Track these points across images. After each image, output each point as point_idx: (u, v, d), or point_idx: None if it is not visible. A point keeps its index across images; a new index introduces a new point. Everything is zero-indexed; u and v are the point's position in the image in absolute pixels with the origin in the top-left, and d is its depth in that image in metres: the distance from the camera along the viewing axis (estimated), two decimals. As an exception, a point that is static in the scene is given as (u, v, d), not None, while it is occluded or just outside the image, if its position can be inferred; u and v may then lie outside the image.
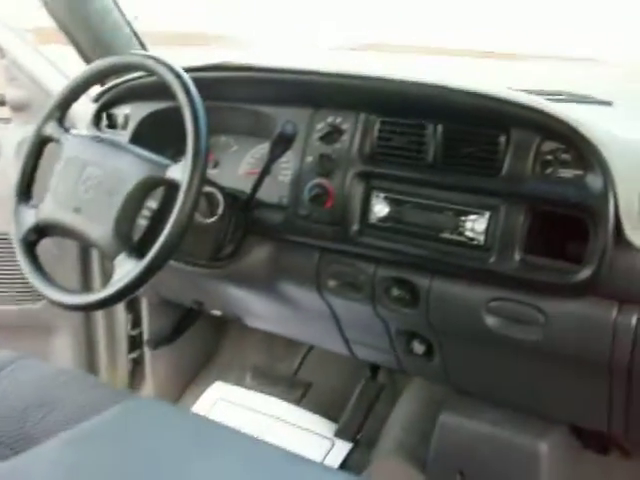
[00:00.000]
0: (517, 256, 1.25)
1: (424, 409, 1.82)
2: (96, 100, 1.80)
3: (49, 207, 1.38)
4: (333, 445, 1.96)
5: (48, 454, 1.11)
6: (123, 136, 1.71)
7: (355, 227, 1.41)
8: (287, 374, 2.19)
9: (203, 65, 1.54)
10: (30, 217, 1.40)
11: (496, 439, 1.55)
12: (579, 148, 1.18)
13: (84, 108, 1.77)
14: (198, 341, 2.34)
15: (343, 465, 1.89)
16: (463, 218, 1.30)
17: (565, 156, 1.20)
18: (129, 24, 2.02)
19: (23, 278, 1.39)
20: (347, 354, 1.76)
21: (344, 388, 2.05)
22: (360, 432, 1.98)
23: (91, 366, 2.25)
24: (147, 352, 2.24)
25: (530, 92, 1.39)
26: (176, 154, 1.42)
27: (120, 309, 2.20)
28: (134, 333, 2.25)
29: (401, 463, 1.75)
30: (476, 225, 1.29)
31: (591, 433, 1.57)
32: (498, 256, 1.26)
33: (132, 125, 1.74)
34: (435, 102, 1.32)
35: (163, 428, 1.19)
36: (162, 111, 1.69)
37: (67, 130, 1.43)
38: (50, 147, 1.45)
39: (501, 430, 1.54)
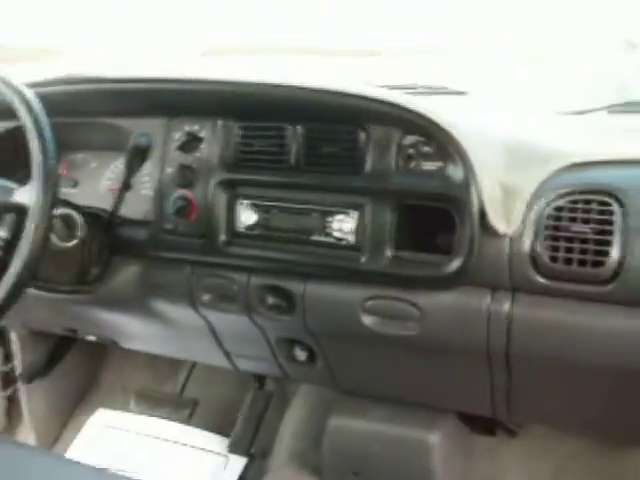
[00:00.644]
0: (388, 253, 1.24)
1: (314, 414, 1.80)
2: None
3: None
4: (228, 461, 1.90)
5: None
6: None
7: (223, 238, 1.37)
8: (172, 394, 2.11)
9: (47, 79, 1.45)
10: None
11: (386, 436, 1.54)
12: (439, 140, 1.17)
13: None
14: (76, 369, 2.22)
15: (240, 480, 1.84)
16: (330, 219, 1.28)
17: (426, 149, 1.20)
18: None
19: None
20: (230, 368, 1.71)
21: (232, 401, 2.00)
22: (253, 444, 1.93)
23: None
24: (22, 387, 2.10)
25: (387, 87, 1.38)
26: (26, 177, 1.33)
27: (-12, 345, 2.06)
28: (6, 369, 2.11)
29: (296, 471, 1.72)
30: (344, 225, 1.27)
31: (478, 417, 1.59)
32: (369, 254, 1.24)
33: None
34: (292, 103, 1.29)
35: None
36: (10, 131, 1.58)
37: None
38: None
39: (390, 426, 1.54)
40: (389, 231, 1.23)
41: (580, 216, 1.12)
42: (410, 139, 1.21)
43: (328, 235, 1.28)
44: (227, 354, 1.65)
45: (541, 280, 1.15)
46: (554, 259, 1.13)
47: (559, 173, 1.18)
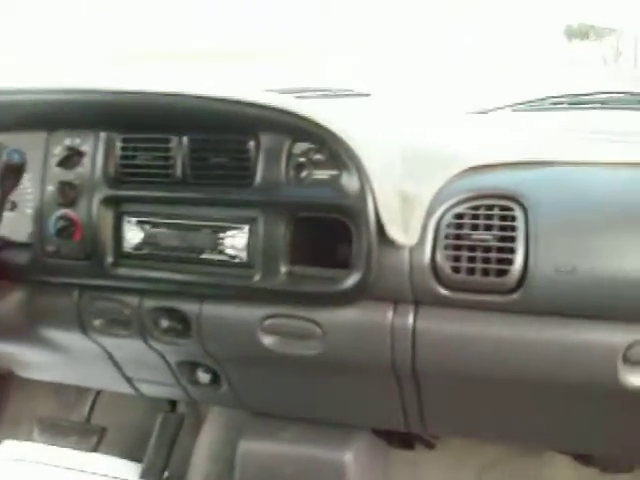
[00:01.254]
0: (283, 269, 1.16)
1: (227, 435, 1.71)
2: None
3: None
4: (140, 488, 1.80)
5: None
6: None
7: (109, 259, 1.27)
8: (78, 422, 1.99)
9: None
10: None
11: (299, 457, 1.47)
12: (331, 147, 1.10)
13: None
14: None
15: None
16: (222, 235, 1.20)
17: (318, 156, 1.13)
18: None
19: None
20: (133, 393, 1.61)
21: (143, 425, 1.89)
22: (166, 469, 1.83)
23: None
24: None
25: (282, 91, 1.31)
26: None
27: None
28: None
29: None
30: (236, 241, 1.19)
31: (395, 432, 1.53)
32: (263, 272, 1.17)
33: None
34: (175, 112, 1.20)
35: None
36: None
37: None
38: None
39: (303, 447, 1.46)
40: (284, 246, 1.16)
41: (481, 223, 1.07)
42: (301, 147, 1.14)
43: (220, 252, 1.20)
44: (129, 380, 1.55)
45: (444, 292, 1.09)
46: (456, 269, 1.07)
47: (458, 178, 1.12)
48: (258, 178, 1.15)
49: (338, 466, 1.45)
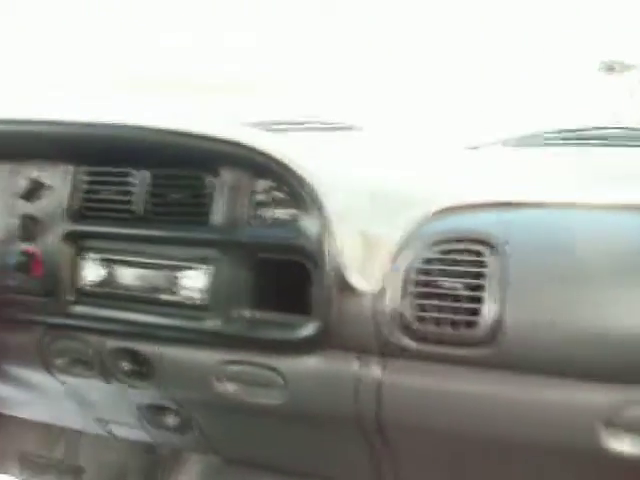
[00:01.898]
0: (242, 313, 1.09)
1: (205, 481, 1.63)
2: None
3: None
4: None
5: None
6: None
7: (69, 297, 1.22)
8: (57, 460, 1.93)
9: None
10: None
11: None
12: (291, 185, 1.04)
13: None
14: None
15: None
16: (179, 275, 1.14)
17: (279, 195, 1.06)
18: None
19: None
20: (105, 434, 1.54)
21: (120, 467, 1.82)
22: (144, 512, 1.76)
23: None
24: None
25: (261, 124, 1.25)
26: None
27: None
28: None
29: None
30: (193, 282, 1.13)
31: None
32: (220, 315, 1.10)
33: None
34: (135, 145, 1.15)
35: None
36: None
37: None
38: None
39: None
40: (243, 288, 1.09)
41: (451, 269, 0.99)
42: (263, 184, 1.08)
43: (177, 294, 1.14)
44: (98, 420, 1.48)
45: (409, 343, 1.00)
46: (422, 319, 0.99)
47: (429, 220, 1.04)
48: (216, 216, 1.09)
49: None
